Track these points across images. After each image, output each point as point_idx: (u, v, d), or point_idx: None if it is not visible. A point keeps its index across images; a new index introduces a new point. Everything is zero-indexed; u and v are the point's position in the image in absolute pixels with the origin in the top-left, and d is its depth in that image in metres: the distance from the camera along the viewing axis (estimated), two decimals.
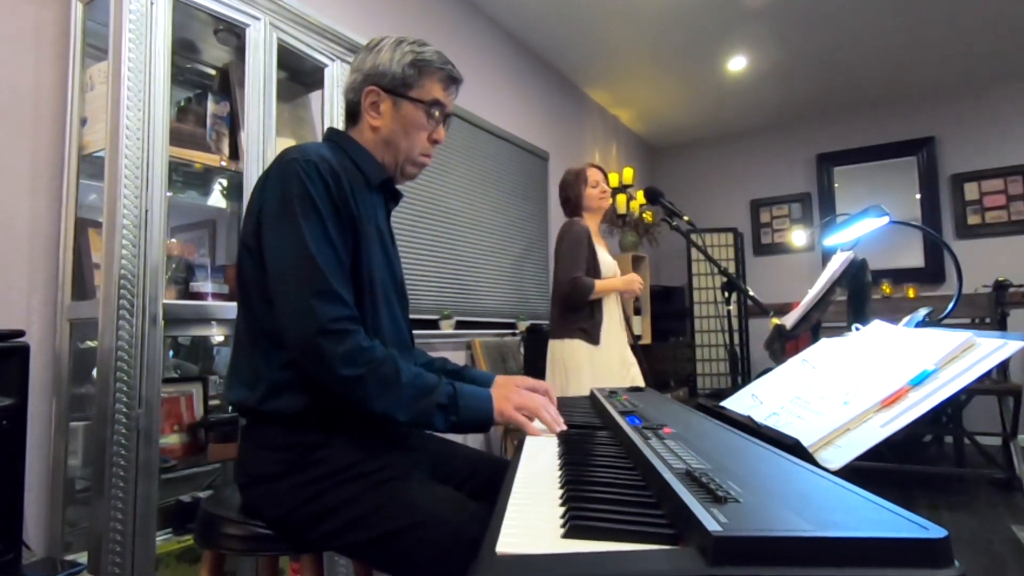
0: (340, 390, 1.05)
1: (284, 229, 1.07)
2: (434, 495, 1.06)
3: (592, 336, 2.67)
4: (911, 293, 5.03)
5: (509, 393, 1.17)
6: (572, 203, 2.86)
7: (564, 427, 1.13)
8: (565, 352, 2.69)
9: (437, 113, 1.26)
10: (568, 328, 2.70)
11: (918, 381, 0.89)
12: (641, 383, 2.70)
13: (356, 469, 1.08)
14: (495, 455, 1.44)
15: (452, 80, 1.28)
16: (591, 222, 2.85)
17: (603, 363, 2.66)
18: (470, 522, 0.99)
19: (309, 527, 1.06)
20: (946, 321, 1.99)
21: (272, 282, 1.08)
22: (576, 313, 2.69)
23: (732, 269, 5.92)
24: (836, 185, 5.90)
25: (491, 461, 1.35)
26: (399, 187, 1.34)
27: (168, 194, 1.70)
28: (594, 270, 2.70)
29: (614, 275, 2.80)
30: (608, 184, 2.86)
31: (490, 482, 1.24)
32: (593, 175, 2.81)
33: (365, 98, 1.24)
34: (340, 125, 1.35)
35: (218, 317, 1.84)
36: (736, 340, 5.76)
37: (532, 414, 1.15)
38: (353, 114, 1.28)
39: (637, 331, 4.71)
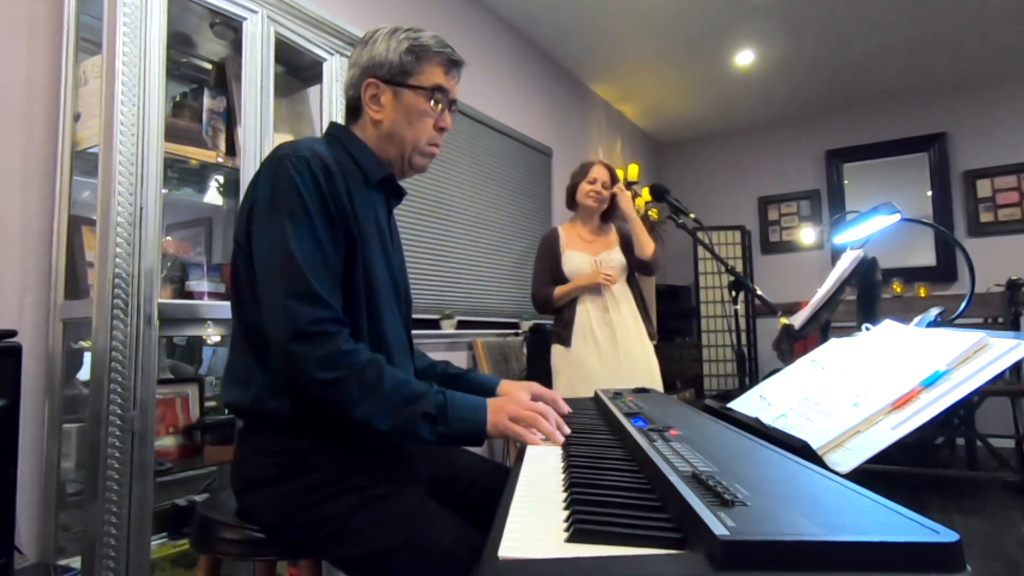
0: (319, 395, 1.01)
1: (270, 227, 1.05)
2: (429, 515, 1.03)
3: (563, 339, 2.72)
4: (922, 292, 4.98)
5: (505, 403, 1.09)
6: (568, 196, 2.87)
7: (564, 436, 1.05)
8: (551, 356, 2.79)
9: (440, 99, 1.23)
10: (552, 333, 2.83)
11: (930, 382, 0.88)
12: (648, 383, 2.65)
13: (351, 481, 1.06)
14: (497, 462, 1.40)
15: (453, 63, 1.24)
16: (579, 219, 2.84)
17: (578, 365, 2.67)
18: (464, 545, 0.97)
19: (304, 536, 1.04)
20: (958, 321, 1.95)
21: (258, 283, 1.07)
22: (555, 318, 2.81)
23: (739, 268, 5.88)
24: (846, 182, 5.86)
25: (493, 469, 1.32)
26: (404, 183, 1.31)
27: (163, 191, 1.68)
28: (560, 277, 2.75)
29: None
30: (613, 186, 2.79)
31: (491, 491, 1.21)
32: (595, 172, 2.76)
33: (365, 92, 1.21)
34: (339, 119, 1.32)
35: (214, 317, 1.82)
36: (744, 340, 5.72)
37: (530, 423, 1.06)
38: (354, 110, 1.25)
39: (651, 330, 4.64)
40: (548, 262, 2.77)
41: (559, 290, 2.70)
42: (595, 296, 2.71)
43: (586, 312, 2.69)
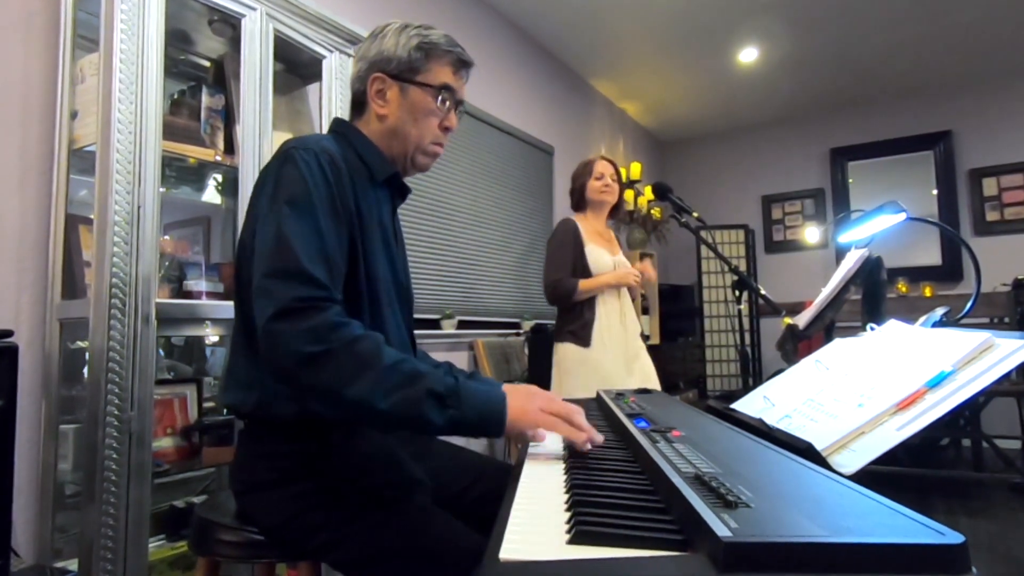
0: (306, 376, 0.90)
1: (271, 215, 1.02)
2: (433, 521, 1.03)
3: (581, 338, 2.60)
4: (928, 292, 4.95)
5: (532, 394, 0.98)
6: (576, 194, 2.81)
7: (600, 438, 0.94)
8: (558, 355, 2.66)
9: (447, 98, 1.21)
10: (561, 331, 2.68)
11: (935, 383, 0.87)
12: (653, 383, 2.63)
13: (355, 484, 1.05)
14: (499, 461, 1.39)
15: (462, 63, 1.23)
16: (591, 217, 2.79)
17: (596, 366, 2.57)
18: (467, 552, 0.96)
19: (304, 538, 1.03)
20: (964, 321, 1.93)
21: (252, 271, 1.01)
22: (568, 315, 2.66)
23: (743, 267, 5.85)
24: (850, 180, 5.84)
25: (495, 468, 1.30)
26: (407, 180, 1.29)
27: (161, 190, 1.67)
28: (582, 269, 2.64)
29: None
30: (618, 178, 2.79)
31: (493, 491, 1.19)
32: (600, 167, 2.74)
33: (371, 86, 1.19)
34: (340, 116, 1.30)
35: (213, 317, 1.81)
36: (747, 340, 5.69)
37: (567, 416, 0.95)
38: (359, 104, 1.24)
39: (645, 330, 4.64)
40: (571, 252, 2.64)
41: (585, 283, 2.58)
42: (613, 296, 2.68)
43: (606, 312, 2.64)
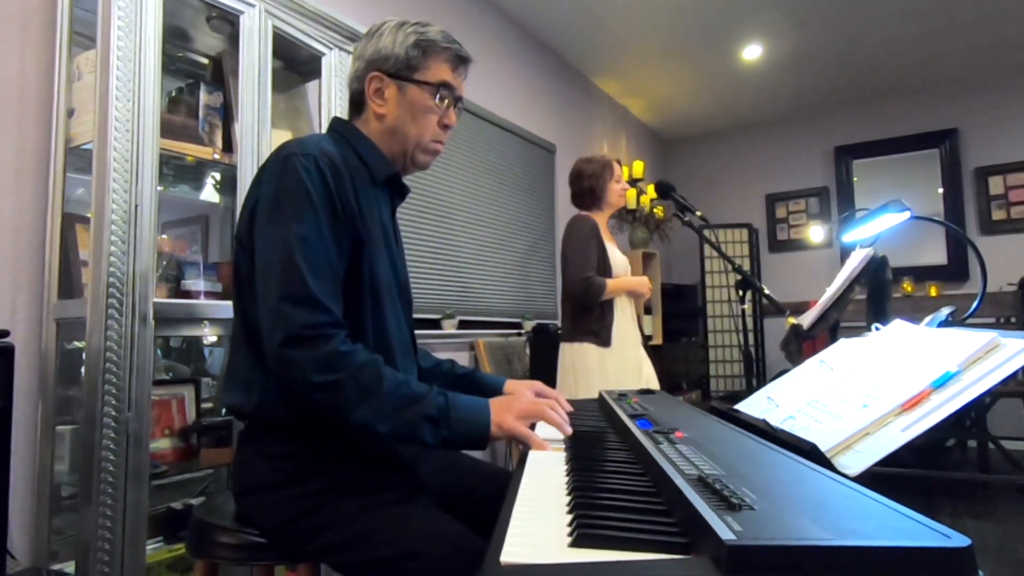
0: (316, 399, 0.98)
1: (273, 227, 1.04)
2: (436, 524, 1.02)
3: (602, 338, 2.60)
4: (933, 291, 4.94)
5: (510, 402, 1.08)
6: (594, 195, 2.73)
7: (569, 430, 1.06)
8: (576, 356, 2.62)
9: (446, 95, 1.21)
10: (578, 331, 2.63)
11: (940, 383, 0.87)
12: (655, 385, 2.63)
13: (358, 486, 1.05)
14: (499, 467, 1.39)
15: (460, 60, 1.23)
16: (601, 218, 2.77)
17: (615, 366, 2.58)
18: (469, 555, 0.96)
19: (305, 540, 1.03)
20: (970, 321, 1.92)
21: (256, 282, 1.05)
22: (587, 315, 2.62)
23: (747, 266, 5.83)
24: (855, 179, 5.82)
25: (494, 473, 1.31)
26: (406, 179, 1.30)
27: (159, 188, 1.66)
28: (605, 268, 2.62)
29: (625, 273, 2.74)
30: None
31: (492, 496, 1.19)
32: (619, 170, 2.75)
33: (369, 85, 1.20)
34: (339, 115, 1.31)
35: (211, 316, 1.80)
36: (751, 340, 5.69)
37: (536, 416, 1.07)
38: (357, 104, 1.24)
39: (648, 331, 4.63)
40: (596, 250, 2.62)
41: (613, 284, 2.57)
42: (627, 299, 2.71)
43: (624, 313, 2.67)
